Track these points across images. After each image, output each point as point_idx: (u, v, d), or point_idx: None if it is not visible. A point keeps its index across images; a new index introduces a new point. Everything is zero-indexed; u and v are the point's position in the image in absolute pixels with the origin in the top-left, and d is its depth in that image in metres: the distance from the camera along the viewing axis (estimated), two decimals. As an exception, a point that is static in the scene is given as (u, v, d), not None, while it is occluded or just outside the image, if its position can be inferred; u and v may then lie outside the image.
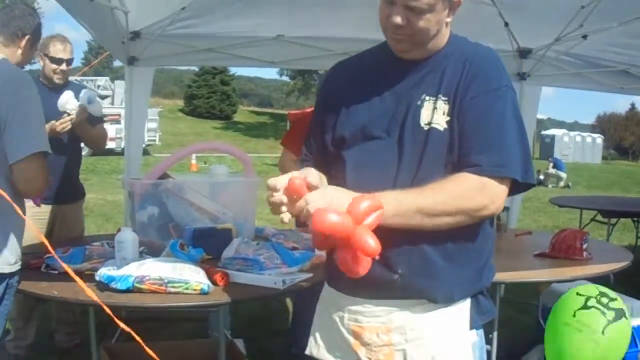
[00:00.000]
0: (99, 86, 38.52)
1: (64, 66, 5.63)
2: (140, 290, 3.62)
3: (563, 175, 29.34)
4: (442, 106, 2.40)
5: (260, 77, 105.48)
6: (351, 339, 2.54)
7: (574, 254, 5.04)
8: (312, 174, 2.26)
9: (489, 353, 4.93)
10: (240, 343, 5.76)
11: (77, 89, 5.90)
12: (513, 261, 5.01)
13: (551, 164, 30.51)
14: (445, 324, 2.46)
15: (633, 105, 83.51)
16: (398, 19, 2.36)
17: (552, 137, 54.35)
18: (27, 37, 3.80)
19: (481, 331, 2.59)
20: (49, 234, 5.69)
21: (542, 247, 5.25)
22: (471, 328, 2.51)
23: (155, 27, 7.09)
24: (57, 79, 5.65)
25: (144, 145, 33.20)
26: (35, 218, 5.51)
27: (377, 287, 2.42)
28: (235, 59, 8.00)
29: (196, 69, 59.63)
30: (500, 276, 4.49)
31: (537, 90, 8.65)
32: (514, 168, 2.34)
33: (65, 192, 5.81)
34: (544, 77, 8.42)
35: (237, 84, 65.07)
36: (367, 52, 2.74)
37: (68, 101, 5.44)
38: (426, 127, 2.40)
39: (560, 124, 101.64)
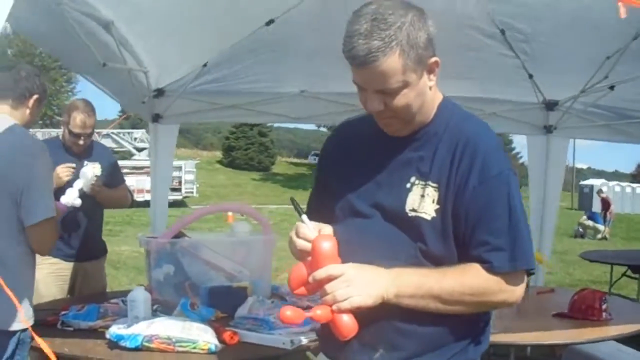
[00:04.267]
0: (135, 138, 39.01)
1: (81, 141, 5.60)
2: (149, 349, 3.65)
3: (600, 227, 29.05)
4: (432, 193, 2.32)
5: (299, 128, 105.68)
6: None
7: (592, 315, 4.93)
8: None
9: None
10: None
11: (100, 152, 5.95)
12: (530, 322, 4.92)
13: (584, 216, 30.28)
14: None
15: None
16: (374, 105, 2.29)
17: (591, 187, 53.82)
18: (34, 96, 3.89)
19: None
20: (71, 291, 5.74)
21: (563, 306, 5.15)
22: None
23: (179, 84, 7.14)
24: (75, 149, 5.64)
25: (180, 198, 33.40)
26: (57, 275, 5.57)
27: None
28: (259, 116, 8.05)
29: (234, 121, 60.10)
30: (514, 337, 4.48)
31: (565, 142, 8.53)
32: (526, 260, 2.30)
33: (87, 250, 5.80)
34: (572, 129, 8.32)
35: (275, 135, 65.47)
36: (368, 117, 2.49)
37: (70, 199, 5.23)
38: (412, 214, 2.32)
39: (600, 174, 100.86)
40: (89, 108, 5.60)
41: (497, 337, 4.35)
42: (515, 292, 2.32)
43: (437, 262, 2.31)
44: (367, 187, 2.44)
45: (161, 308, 4.40)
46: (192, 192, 37.58)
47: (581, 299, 5.08)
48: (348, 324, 2.19)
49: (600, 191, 35.99)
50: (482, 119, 2.48)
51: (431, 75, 2.33)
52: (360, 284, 2.18)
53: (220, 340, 3.76)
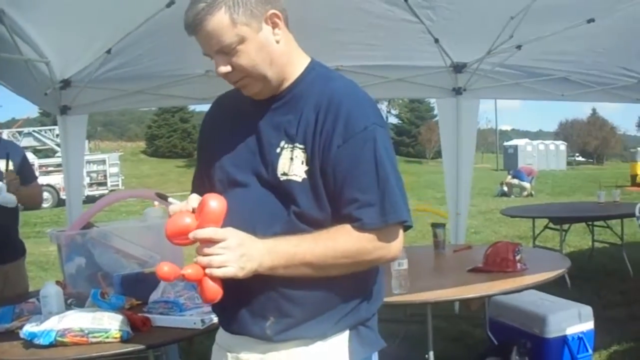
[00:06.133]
0: (57, 135, 38.33)
1: None
2: (63, 344, 3.58)
3: (526, 184, 29.44)
4: (300, 155, 2.32)
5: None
6: None
7: (507, 267, 4.99)
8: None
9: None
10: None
11: (8, 146, 5.83)
12: (444, 278, 5.00)
13: (510, 176, 30.74)
14: (321, 358, 2.39)
15: (594, 110, 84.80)
16: (221, 68, 2.32)
17: (515, 148, 54.78)
18: None
19: None
20: (-9, 294, 5.59)
21: (480, 262, 5.20)
22: None
23: (84, 74, 7.05)
24: None
25: (107, 192, 33.08)
26: (-25, 280, 5.45)
27: (252, 333, 2.39)
28: (166, 99, 8.03)
29: (154, 108, 59.67)
30: (427, 295, 4.52)
31: (475, 103, 8.66)
32: (397, 212, 2.29)
33: (5, 251, 5.66)
34: (481, 90, 8.44)
35: (197, 120, 64.99)
36: None
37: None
38: (283, 178, 2.33)
39: (525, 134, 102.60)
40: None
41: (412, 297, 4.40)
42: (391, 247, 2.33)
43: (314, 224, 2.31)
44: (243, 155, 2.45)
45: (75, 301, 4.34)
46: (117, 185, 37.23)
47: (495, 252, 5.15)
48: (213, 288, 2.17)
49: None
50: (348, 78, 2.48)
51: (275, 29, 2.36)
52: (237, 255, 2.16)
53: (133, 327, 3.73)
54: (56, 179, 30.63)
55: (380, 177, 2.27)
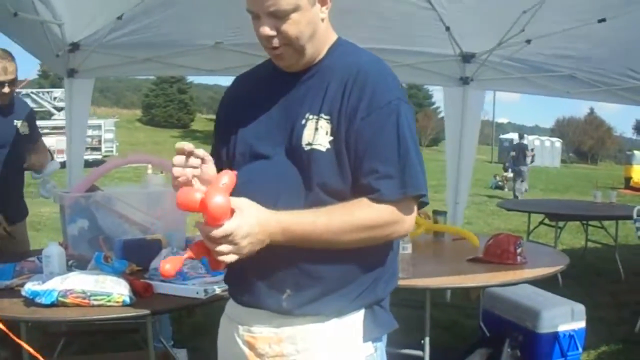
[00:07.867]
0: (55, 98, 38.18)
1: (6, 88, 5.44)
2: (64, 304, 3.60)
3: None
4: (325, 125, 2.33)
5: (219, 85, 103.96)
6: (246, 350, 2.48)
7: (507, 259, 4.98)
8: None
9: (420, 359, 4.94)
10: (182, 353, 5.71)
11: (22, 106, 5.83)
12: (446, 266, 4.98)
13: (509, 169, 30.77)
14: (336, 336, 2.40)
15: (592, 109, 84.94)
16: (266, 30, 2.30)
17: (511, 141, 54.65)
18: None
19: (381, 344, 2.52)
20: (-7, 254, 5.59)
21: (478, 252, 5.21)
22: (366, 340, 2.44)
23: (94, 38, 7.04)
24: (1, 100, 5.48)
25: (100, 157, 32.83)
26: (-22, 239, 5.45)
27: (267, 306, 2.39)
28: (174, 68, 8.06)
29: (153, 77, 59.43)
30: (429, 281, 4.53)
31: (481, 94, 8.70)
32: (416, 186, 2.30)
33: (11, 212, 5.69)
34: (488, 82, 8.48)
35: (195, 92, 64.96)
36: (265, 64, 2.62)
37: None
38: (307, 148, 2.33)
39: (521, 128, 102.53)
40: (7, 54, 5.39)
41: (413, 282, 4.40)
42: (405, 222, 2.32)
43: (336, 196, 2.31)
44: (266, 128, 2.45)
45: (76, 263, 4.35)
46: (112, 151, 37.01)
47: (496, 244, 5.13)
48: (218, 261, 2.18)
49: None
50: (374, 54, 2.50)
51: (323, 7, 2.39)
52: (248, 244, 2.14)
53: (135, 292, 3.74)
54: (50, 142, 30.31)
55: (402, 150, 2.28)
